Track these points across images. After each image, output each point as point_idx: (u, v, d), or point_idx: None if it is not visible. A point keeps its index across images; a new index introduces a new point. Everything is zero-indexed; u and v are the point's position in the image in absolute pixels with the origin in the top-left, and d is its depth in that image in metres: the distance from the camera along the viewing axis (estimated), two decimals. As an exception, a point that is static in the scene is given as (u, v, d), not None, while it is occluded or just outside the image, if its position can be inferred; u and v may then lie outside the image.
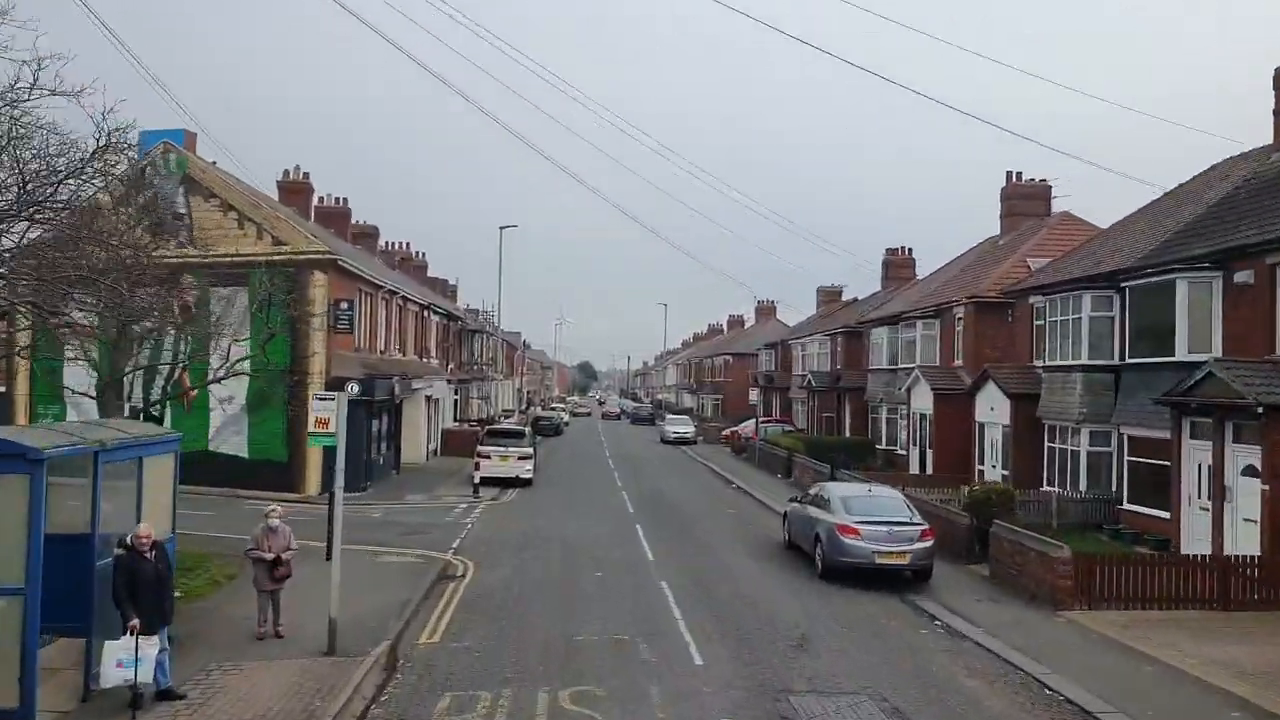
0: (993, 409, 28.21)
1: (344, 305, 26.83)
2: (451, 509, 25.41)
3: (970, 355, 33.07)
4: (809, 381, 49.35)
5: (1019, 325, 29.78)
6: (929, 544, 17.45)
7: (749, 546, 21.12)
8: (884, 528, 17.32)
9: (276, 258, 26.90)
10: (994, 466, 28.22)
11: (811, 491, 20.47)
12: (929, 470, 33.04)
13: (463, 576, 17.12)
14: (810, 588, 16.96)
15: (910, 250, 54.95)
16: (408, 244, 57.88)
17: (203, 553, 16.70)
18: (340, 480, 13.57)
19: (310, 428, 16.38)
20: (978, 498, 21.03)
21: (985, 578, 17.94)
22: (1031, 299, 28.37)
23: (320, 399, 15.63)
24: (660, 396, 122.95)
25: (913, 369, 36.25)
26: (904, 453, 36.91)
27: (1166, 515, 19.75)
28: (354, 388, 27.08)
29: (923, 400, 33.72)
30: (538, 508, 26.17)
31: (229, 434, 27.30)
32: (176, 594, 12.16)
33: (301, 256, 26.90)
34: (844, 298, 67.56)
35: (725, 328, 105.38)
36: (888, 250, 54.84)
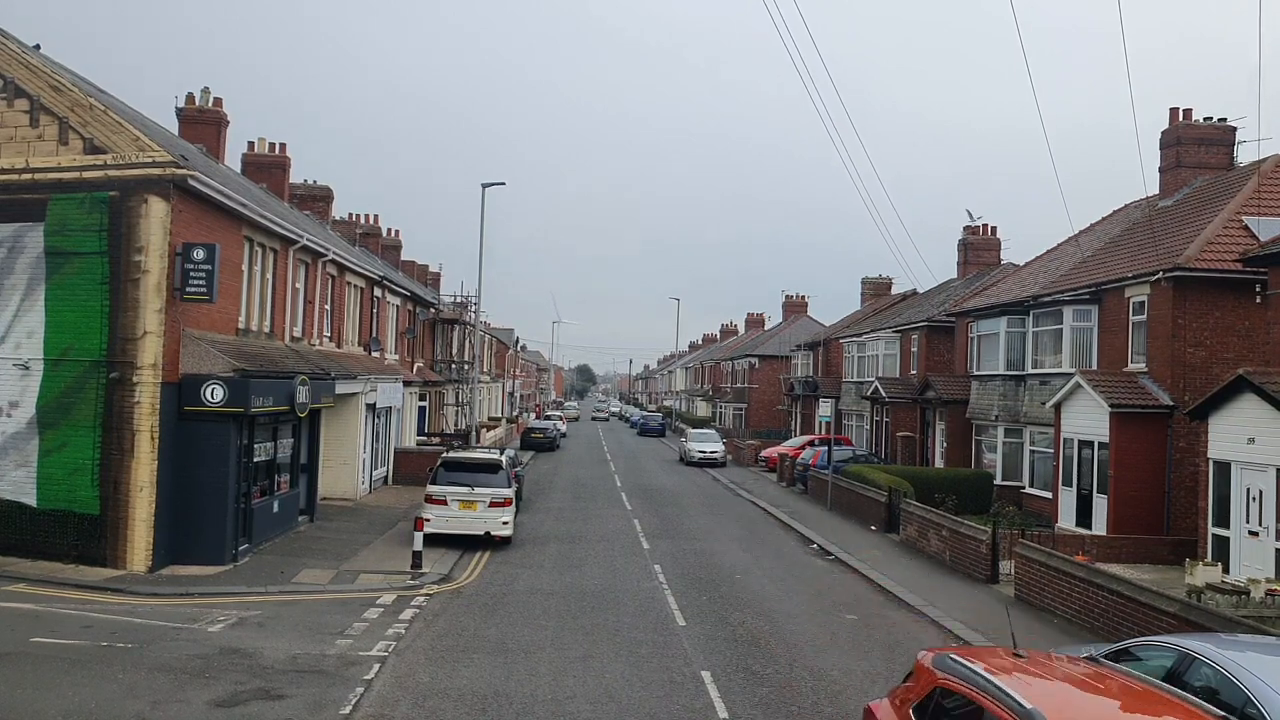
0: (1253, 440, 17.51)
1: (198, 254, 16.08)
2: (365, 609, 14.52)
3: (1161, 356, 22.45)
4: (876, 390, 38.54)
5: (1273, 310, 19.14)
6: None
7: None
8: None
9: (89, 174, 16.26)
10: (1254, 533, 17.51)
11: (1211, 674, 7.89)
12: (1099, 526, 22.31)
13: None
14: None
15: (995, 229, 44.46)
16: (375, 217, 46.88)
17: None
18: None
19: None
20: None
21: None
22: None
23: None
24: (668, 403, 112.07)
25: (1057, 375, 25.58)
26: (1043, 494, 26.17)
27: None
28: (215, 391, 16.58)
29: (1087, 420, 23.02)
30: (515, 605, 15.31)
31: (9, 466, 16.53)
32: None
33: (130, 173, 16.16)
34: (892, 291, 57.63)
35: (743, 327, 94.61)
36: (966, 229, 44.23)
